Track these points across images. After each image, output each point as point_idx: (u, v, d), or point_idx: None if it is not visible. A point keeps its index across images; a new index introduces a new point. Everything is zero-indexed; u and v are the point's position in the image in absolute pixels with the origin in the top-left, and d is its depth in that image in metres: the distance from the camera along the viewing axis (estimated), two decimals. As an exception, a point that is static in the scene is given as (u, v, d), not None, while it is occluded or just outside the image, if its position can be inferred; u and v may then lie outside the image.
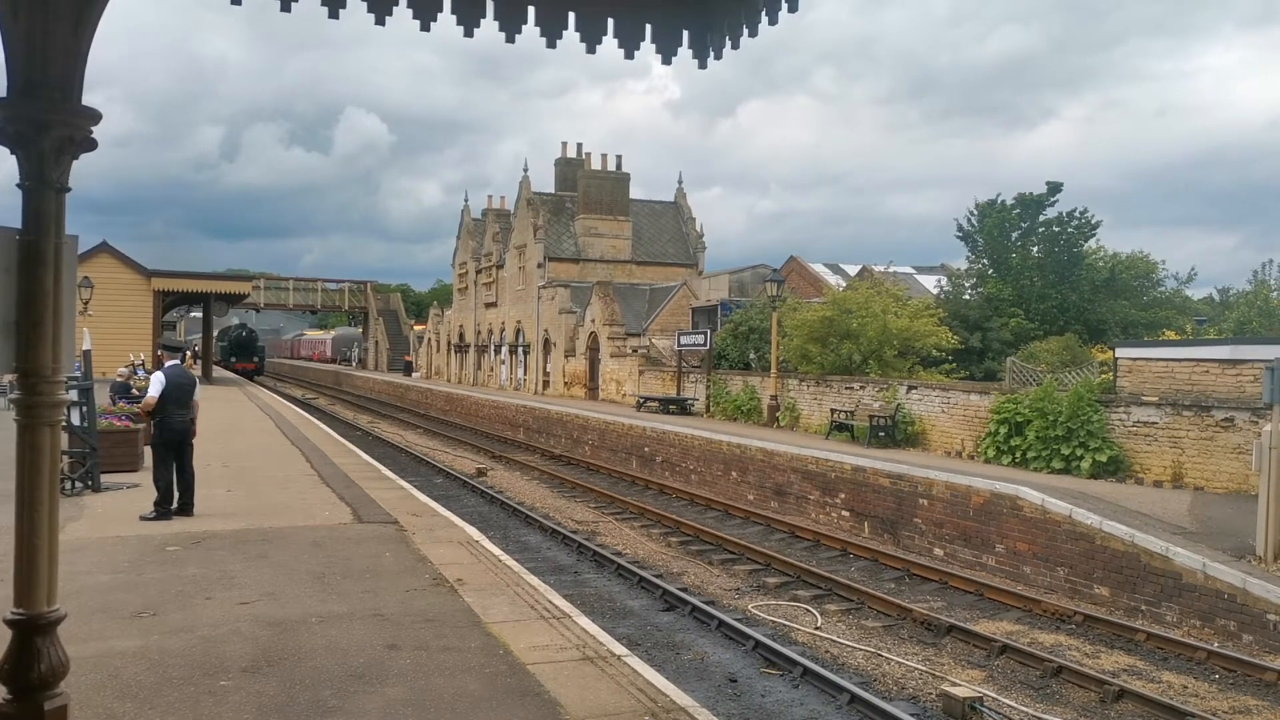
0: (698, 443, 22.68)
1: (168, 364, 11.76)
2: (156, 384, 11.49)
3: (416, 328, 72.09)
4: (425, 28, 3.77)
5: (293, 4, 3.59)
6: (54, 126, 3.52)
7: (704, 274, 44.86)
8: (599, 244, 45.16)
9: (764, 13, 3.81)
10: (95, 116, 3.63)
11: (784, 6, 3.74)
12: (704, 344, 29.57)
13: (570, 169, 47.39)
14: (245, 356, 70.61)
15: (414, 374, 62.76)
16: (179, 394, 11.56)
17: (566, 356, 40.30)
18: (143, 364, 26.23)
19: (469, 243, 54.70)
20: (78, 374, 13.20)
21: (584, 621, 7.58)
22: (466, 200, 56.99)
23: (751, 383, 27.20)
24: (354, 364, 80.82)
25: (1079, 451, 16.13)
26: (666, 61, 4.13)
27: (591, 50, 3.96)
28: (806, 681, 9.31)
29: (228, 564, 9.04)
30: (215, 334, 77.61)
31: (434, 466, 25.65)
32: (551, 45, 3.90)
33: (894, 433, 20.49)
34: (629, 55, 4.01)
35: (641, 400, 31.21)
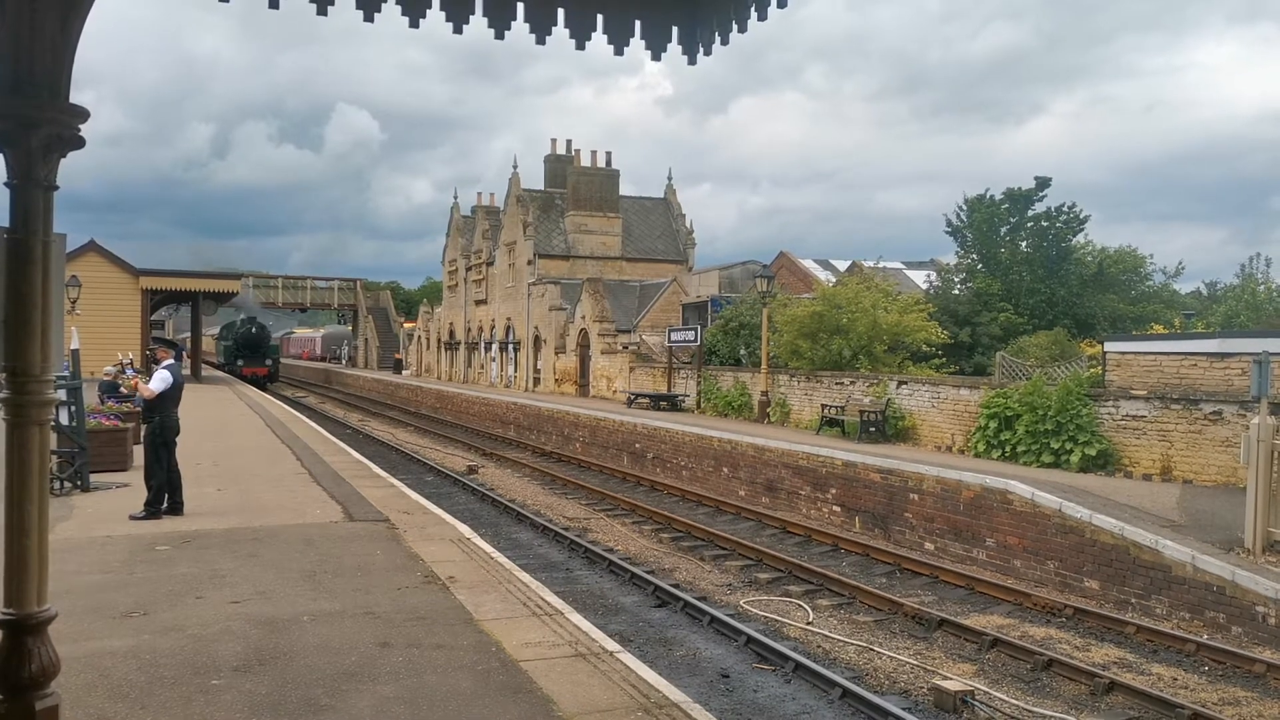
0: (689, 439, 22.70)
1: (168, 361, 11.62)
2: (162, 380, 11.33)
3: (406, 325, 71.81)
4: (414, 24, 3.77)
5: (281, 0, 3.58)
6: (42, 124, 3.51)
7: (694, 270, 44.87)
8: (589, 240, 45.13)
9: (753, 9, 3.82)
10: (83, 114, 3.62)
11: (773, 2, 3.74)
12: (695, 340, 29.58)
13: (560, 166, 47.33)
14: (255, 359, 57.36)
15: (404, 372, 62.60)
16: (177, 392, 11.52)
17: (557, 353, 40.28)
18: (130, 363, 26.08)
19: (459, 240, 54.60)
20: (66, 373, 13.13)
21: (576, 618, 7.59)
22: (456, 197, 56.84)
23: (742, 379, 27.23)
24: (344, 362, 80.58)
25: (1068, 445, 16.19)
26: (656, 58, 4.14)
27: (581, 46, 3.96)
28: (798, 676, 9.34)
29: (218, 563, 9.01)
30: (218, 331, 75.26)
31: (425, 464, 25.62)
32: (541, 42, 3.90)
33: (884, 428, 20.54)
34: (618, 51, 4.02)
35: (632, 397, 31.21)
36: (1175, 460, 15.14)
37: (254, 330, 58.75)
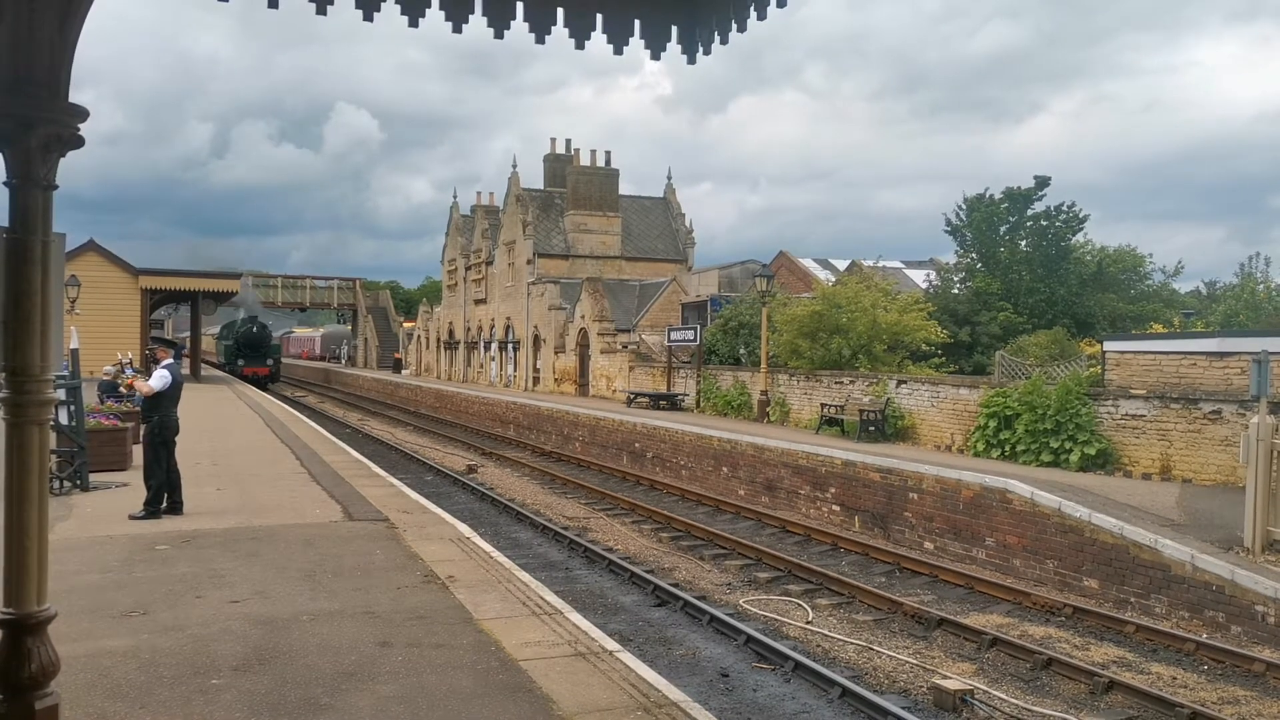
0: (688, 438, 22.70)
1: (168, 361, 11.61)
2: (161, 378, 11.33)
3: (406, 325, 71.76)
4: (413, 24, 3.77)
5: (280, 0, 3.58)
6: (41, 124, 3.50)
7: (694, 270, 44.87)
8: (588, 240, 45.12)
9: (753, 8, 3.81)
10: (82, 114, 3.62)
11: (773, 2, 3.74)
12: (694, 339, 29.58)
13: (560, 165, 47.31)
14: (256, 359, 57.31)
15: (404, 371, 62.58)
16: (177, 391, 11.53)
17: (556, 353, 40.28)
18: (130, 362, 26.07)
19: (458, 239, 54.58)
20: (65, 373, 13.12)
21: (575, 617, 7.59)
22: (455, 197, 56.82)
23: (742, 378, 27.23)
24: (343, 361, 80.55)
25: (1068, 445, 16.19)
26: (655, 57, 4.14)
27: (580, 46, 3.96)
28: (798, 676, 9.34)
29: (218, 562, 9.01)
30: (218, 331, 75.16)
31: (424, 464, 25.62)
32: (540, 41, 3.90)
33: (884, 427, 20.54)
34: (618, 51, 4.02)
35: (632, 396, 31.21)
36: (1175, 459, 15.14)
37: (255, 330, 58.12)
